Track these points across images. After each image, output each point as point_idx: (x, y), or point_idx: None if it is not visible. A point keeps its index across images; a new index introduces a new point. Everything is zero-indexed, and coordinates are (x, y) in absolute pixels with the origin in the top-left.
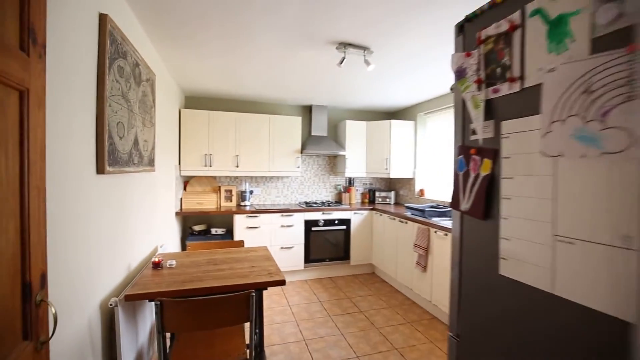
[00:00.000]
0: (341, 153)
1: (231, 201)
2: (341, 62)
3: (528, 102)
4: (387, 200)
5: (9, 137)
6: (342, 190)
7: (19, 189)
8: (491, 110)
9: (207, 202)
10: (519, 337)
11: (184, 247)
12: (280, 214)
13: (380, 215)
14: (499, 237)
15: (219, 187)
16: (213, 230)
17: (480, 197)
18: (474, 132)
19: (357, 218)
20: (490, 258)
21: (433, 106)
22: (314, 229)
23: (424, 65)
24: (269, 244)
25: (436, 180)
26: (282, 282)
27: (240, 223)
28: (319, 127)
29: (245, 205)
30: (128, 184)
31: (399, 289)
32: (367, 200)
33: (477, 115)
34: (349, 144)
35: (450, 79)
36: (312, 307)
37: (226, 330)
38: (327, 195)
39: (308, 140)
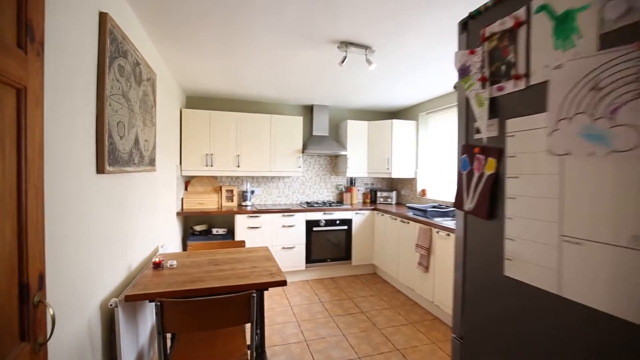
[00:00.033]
0: (342, 153)
1: (232, 201)
2: (343, 62)
3: (534, 99)
4: (389, 200)
5: (6, 136)
6: (344, 190)
7: (17, 188)
8: (496, 109)
9: (209, 202)
10: (523, 339)
11: (185, 247)
12: (282, 214)
13: (382, 215)
14: (504, 238)
15: (220, 187)
16: (214, 231)
17: (484, 197)
18: (477, 131)
19: (358, 218)
20: (495, 259)
21: (435, 106)
22: (315, 229)
23: (426, 64)
24: (270, 244)
25: (438, 180)
26: (283, 283)
27: (241, 223)
28: (321, 127)
29: (246, 205)
30: (129, 183)
31: (401, 289)
32: (368, 200)
33: (481, 113)
34: (350, 144)
35: (453, 78)
36: (313, 307)
37: (227, 330)
38: (328, 195)
39: (309, 140)
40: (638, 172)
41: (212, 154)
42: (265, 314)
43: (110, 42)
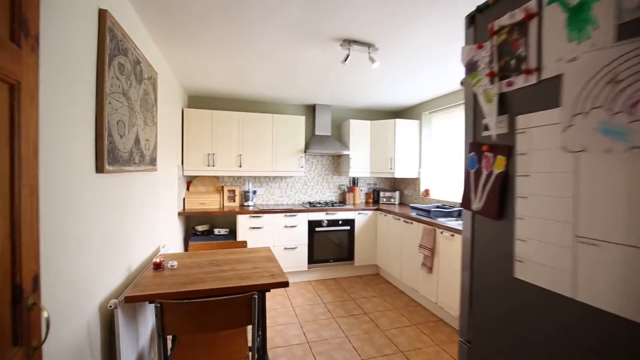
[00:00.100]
0: (345, 153)
1: (234, 201)
2: (345, 60)
3: (546, 94)
4: (392, 200)
5: None
6: (346, 190)
7: (9, 187)
8: (505, 105)
9: (210, 202)
10: (533, 343)
11: (186, 247)
12: (284, 214)
13: (385, 215)
14: (514, 238)
15: (222, 187)
16: (216, 231)
17: (493, 196)
18: (486, 128)
19: (361, 218)
20: (504, 260)
21: (438, 105)
22: (317, 229)
23: (430, 62)
24: (272, 244)
25: (442, 180)
26: (285, 284)
27: (243, 223)
28: (323, 127)
29: (248, 206)
30: (129, 183)
31: (404, 290)
32: (371, 201)
33: (489, 110)
34: (353, 144)
35: (458, 76)
36: (315, 308)
37: (228, 332)
38: (330, 195)
39: (312, 140)
40: None
41: (214, 154)
42: (267, 315)
43: (110, 40)
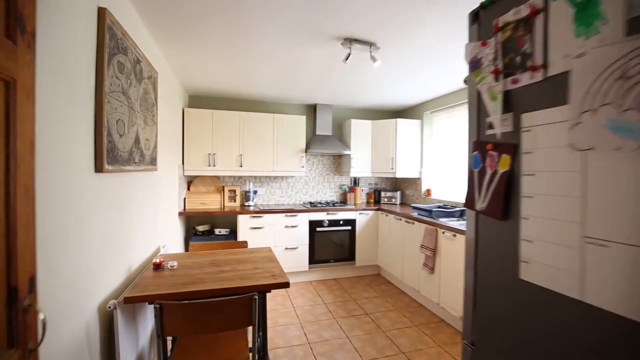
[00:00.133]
0: (346, 152)
1: (235, 201)
2: (346, 59)
3: (552, 91)
4: (393, 200)
5: None
6: (347, 190)
7: (4, 187)
8: (510, 102)
9: (211, 202)
10: (539, 345)
11: (187, 247)
12: (285, 214)
13: (386, 215)
14: (520, 239)
15: (223, 187)
16: (217, 231)
17: (498, 196)
18: (490, 126)
19: (362, 218)
20: (509, 261)
21: (440, 104)
22: (318, 229)
23: (431, 61)
24: (273, 244)
25: (443, 180)
26: (285, 285)
27: (244, 223)
28: (324, 126)
29: (249, 206)
30: (129, 183)
31: (406, 290)
32: (372, 201)
33: (494, 107)
34: (354, 143)
35: (459, 75)
36: (316, 309)
37: (228, 333)
38: (331, 195)
39: (312, 140)
40: None
41: (214, 154)
42: (268, 316)
43: (109, 38)
